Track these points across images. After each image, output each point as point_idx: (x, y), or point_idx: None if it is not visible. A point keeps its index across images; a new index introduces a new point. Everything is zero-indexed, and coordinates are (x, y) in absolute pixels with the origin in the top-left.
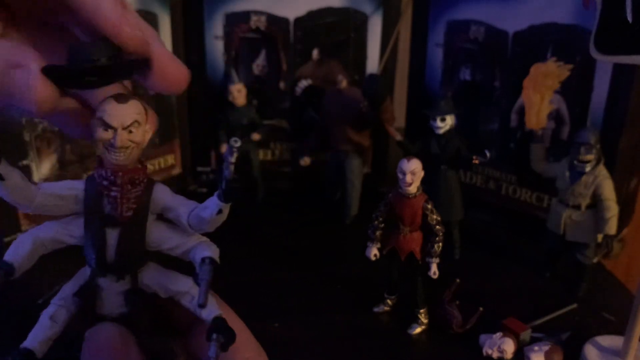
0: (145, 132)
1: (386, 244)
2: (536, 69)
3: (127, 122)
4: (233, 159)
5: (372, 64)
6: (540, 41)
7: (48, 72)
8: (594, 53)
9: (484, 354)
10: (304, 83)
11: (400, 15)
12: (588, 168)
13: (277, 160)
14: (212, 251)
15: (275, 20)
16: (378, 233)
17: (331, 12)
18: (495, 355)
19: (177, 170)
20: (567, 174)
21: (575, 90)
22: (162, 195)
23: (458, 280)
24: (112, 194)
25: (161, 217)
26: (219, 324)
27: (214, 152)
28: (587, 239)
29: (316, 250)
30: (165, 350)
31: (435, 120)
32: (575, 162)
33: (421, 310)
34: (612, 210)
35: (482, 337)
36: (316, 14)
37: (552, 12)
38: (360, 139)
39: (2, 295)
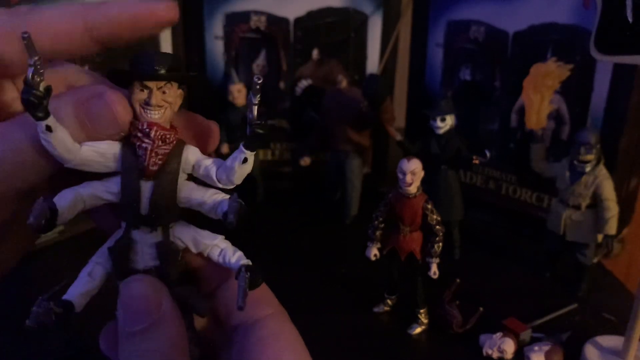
0: (177, 95)
1: (386, 244)
2: (536, 69)
3: (161, 82)
4: (257, 100)
5: (372, 64)
6: (540, 41)
7: (112, 74)
8: (594, 53)
9: (484, 354)
10: (304, 83)
11: (400, 15)
12: (588, 168)
13: (277, 160)
14: (238, 256)
15: (275, 20)
16: (378, 233)
17: (331, 12)
18: (495, 355)
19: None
20: (567, 174)
21: (575, 90)
22: (193, 153)
23: (458, 280)
24: (144, 145)
25: (192, 179)
26: (247, 266)
27: (214, 152)
28: (587, 239)
29: (316, 250)
30: (195, 299)
31: (435, 120)
32: (575, 162)
33: (421, 310)
34: (612, 210)
35: (482, 337)
36: (316, 14)
37: (552, 12)
38: (360, 139)
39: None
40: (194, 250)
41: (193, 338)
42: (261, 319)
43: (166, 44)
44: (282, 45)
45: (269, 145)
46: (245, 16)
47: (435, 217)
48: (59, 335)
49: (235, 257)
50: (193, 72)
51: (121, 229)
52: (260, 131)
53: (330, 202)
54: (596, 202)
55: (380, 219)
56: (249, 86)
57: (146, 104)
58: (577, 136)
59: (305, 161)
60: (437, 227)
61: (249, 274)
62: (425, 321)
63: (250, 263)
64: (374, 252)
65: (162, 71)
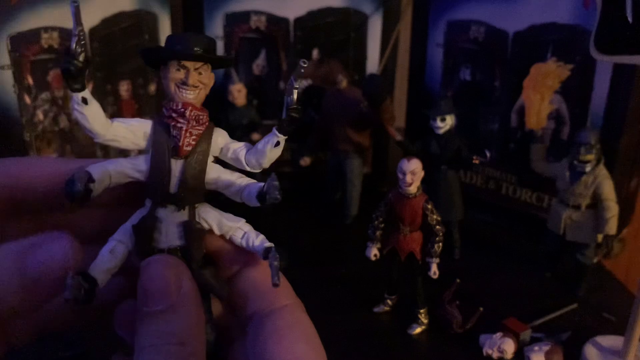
0: (211, 77)
1: (386, 244)
2: (536, 69)
3: (198, 63)
4: (297, 84)
5: (372, 64)
6: (540, 41)
7: (146, 51)
8: (594, 53)
9: (484, 354)
10: (304, 83)
11: (400, 15)
12: (588, 168)
13: (277, 160)
14: (262, 239)
15: (275, 20)
16: (378, 233)
17: (331, 12)
18: (495, 355)
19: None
20: (567, 174)
21: (575, 90)
22: (222, 137)
23: (458, 280)
24: (179, 124)
25: (219, 162)
26: (273, 248)
27: None
28: (587, 239)
29: (316, 250)
30: (217, 282)
31: (435, 120)
32: (575, 162)
33: (421, 310)
34: (612, 210)
35: (482, 337)
36: (316, 14)
37: (552, 12)
38: (360, 139)
39: None
40: (217, 232)
41: (209, 321)
42: (277, 309)
43: None
44: (282, 45)
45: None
46: (245, 16)
47: (435, 217)
48: (58, 337)
49: (259, 239)
50: (225, 55)
51: (145, 207)
52: (296, 115)
53: (330, 202)
54: (596, 202)
55: (380, 219)
56: (249, 86)
57: (183, 83)
58: (577, 136)
59: (305, 161)
60: (437, 227)
61: (278, 253)
62: (425, 321)
63: (273, 245)
64: (374, 252)
65: (200, 52)
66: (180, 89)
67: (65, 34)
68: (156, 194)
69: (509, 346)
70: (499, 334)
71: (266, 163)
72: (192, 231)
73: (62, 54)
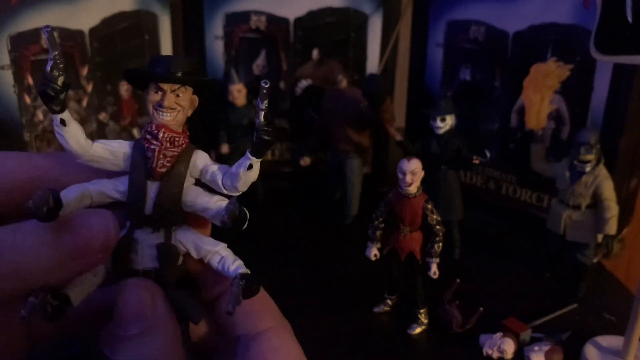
0: (191, 100)
1: (386, 244)
2: (536, 69)
3: (175, 85)
4: (264, 105)
5: (372, 64)
6: (540, 41)
7: (129, 73)
8: (594, 53)
9: (484, 354)
10: (304, 83)
11: (400, 15)
12: (588, 168)
13: (277, 160)
14: (237, 265)
15: (275, 20)
16: (378, 233)
17: (331, 12)
18: (495, 355)
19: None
20: (567, 174)
21: (575, 90)
22: (201, 159)
23: (458, 280)
24: (152, 146)
25: (199, 184)
26: (244, 274)
27: (214, 152)
28: (587, 239)
29: (316, 250)
30: (190, 306)
31: (435, 120)
32: (575, 162)
33: (421, 310)
34: (612, 210)
35: (482, 337)
36: (316, 14)
37: (552, 12)
38: (360, 139)
39: None
40: (195, 255)
41: (187, 343)
42: (263, 331)
43: (166, 44)
44: (282, 45)
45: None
46: (245, 16)
47: (435, 217)
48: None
49: (234, 265)
50: (208, 78)
51: (125, 228)
52: (267, 138)
53: (330, 202)
54: (596, 202)
55: (380, 219)
56: (249, 86)
57: (159, 105)
58: (577, 136)
59: (305, 161)
60: (437, 227)
61: (244, 281)
62: (425, 321)
63: (248, 272)
64: (374, 252)
65: (178, 74)
66: (158, 111)
67: (65, 34)
68: (133, 215)
69: (509, 346)
70: (499, 334)
71: (242, 187)
72: (166, 254)
73: (42, 78)
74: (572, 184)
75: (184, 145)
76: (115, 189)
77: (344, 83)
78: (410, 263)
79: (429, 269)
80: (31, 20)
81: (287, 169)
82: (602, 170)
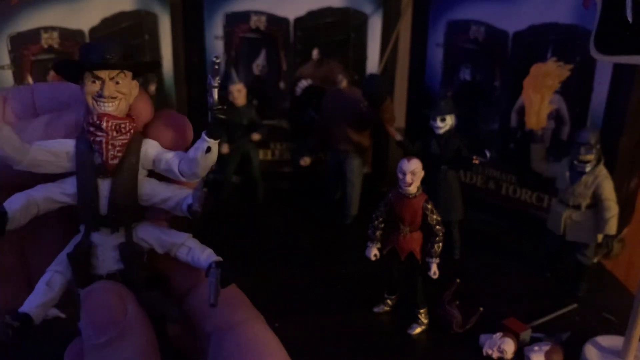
0: (132, 86)
1: (386, 244)
2: (536, 69)
3: (113, 72)
4: (216, 83)
5: (372, 64)
6: (540, 41)
7: (60, 65)
8: (594, 53)
9: (484, 354)
10: (304, 83)
11: (400, 15)
12: (588, 168)
13: (277, 160)
14: (208, 254)
15: (275, 20)
16: (378, 233)
17: (331, 12)
18: (495, 355)
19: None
20: (567, 174)
21: (575, 90)
22: (152, 147)
23: (458, 280)
24: (98, 139)
25: (153, 175)
26: (218, 263)
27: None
28: (587, 239)
29: (316, 250)
30: (165, 305)
31: (435, 120)
32: (575, 162)
33: (421, 311)
34: (612, 210)
35: (482, 337)
36: (316, 14)
37: (552, 12)
38: (360, 139)
39: None
40: (160, 250)
41: (164, 346)
42: (237, 324)
43: (166, 44)
44: (282, 45)
45: (220, 134)
46: (245, 16)
47: (435, 217)
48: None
49: (204, 254)
50: (145, 61)
51: (80, 233)
52: (222, 117)
53: (330, 202)
54: (596, 202)
55: (380, 219)
56: (249, 86)
57: (99, 96)
58: (577, 136)
59: (305, 161)
60: (437, 227)
61: (219, 269)
62: (425, 321)
63: (220, 260)
64: (374, 252)
65: (114, 60)
66: (98, 102)
67: (65, 34)
68: (87, 217)
69: (509, 346)
70: (499, 334)
71: (201, 172)
72: (130, 254)
73: None
74: (572, 184)
75: (132, 131)
76: (63, 192)
77: (344, 83)
78: (410, 263)
79: (429, 269)
80: (31, 20)
81: (287, 169)
82: (602, 170)
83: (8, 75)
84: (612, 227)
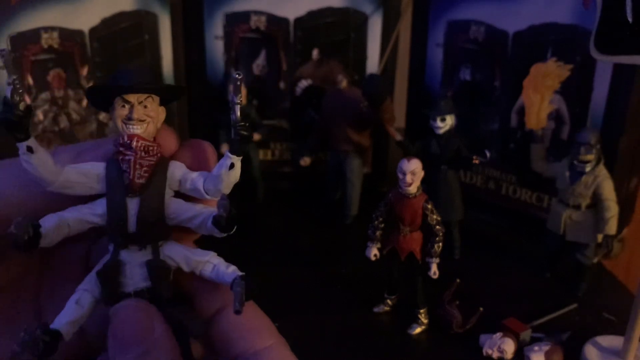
0: (159, 110)
1: (386, 244)
2: (536, 69)
3: (142, 96)
4: (238, 99)
5: (372, 64)
6: (540, 41)
7: (91, 92)
8: (594, 53)
9: (484, 354)
10: (304, 83)
11: (400, 15)
12: (588, 168)
13: (277, 160)
14: (232, 269)
15: (275, 20)
16: (378, 233)
17: (331, 12)
18: (495, 355)
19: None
20: (567, 174)
21: (575, 90)
22: (178, 168)
23: (458, 280)
24: (127, 157)
25: (178, 196)
26: (243, 276)
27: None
28: (587, 239)
29: (316, 250)
30: (189, 319)
31: (435, 120)
32: (575, 162)
33: (421, 311)
34: (612, 210)
35: (482, 337)
36: (316, 14)
37: (552, 12)
38: (360, 139)
39: None
40: (185, 268)
41: None
42: (262, 349)
43: (166, 44)
44: (282, 45)
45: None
46: (245, 16)
47: (435, 217)
48: None
49: (229, 270)
50: (173, 84)
51: (109, 252)
52: (245, 133)
53: (330, 202)
54: (596, 202)
55: (380, 219)
56: (249, 86)
57: (128, 119)
58: (577, 136)
59: (305, 161)
60: (437, 227)
61: (244, 281)
62: (425, 321)
63: (244, 274)
64: (374, 252)
65: (142, 85)
66: (127, 125)
67: (65, 34)
68: (116, 235)
69: (509, 346)
70: (499, 334)
71: (225, 188)
72: (157, 270)
73: (1, 104)
74: (572, 184)
75: (158, 155)
76: (93, 212)
77: (344, 83)
78: (410, 263)
79: (429, 269)
80: (31, 20)
81: (287, 169)
82: (602, 170)
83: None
84: (612, 227)
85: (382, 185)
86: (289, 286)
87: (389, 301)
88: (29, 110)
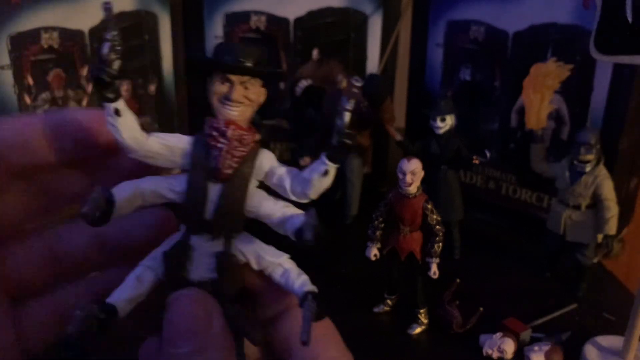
0: (260, 93)
1: (386, 244)
2: (536, 69)
3: (245, 77)
4: (350, 105)
5: (372, 64)
6: (540, 41)
7: (193, 59)
8: (594, 53)
9: (484, 354)
10: (304, 83)
11: (400, 15)
12: (588, 168)
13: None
14: (303, 280)
15: (275, 20)
16: (378, 233)
17: (331, 12)
18: (495, 355)
19: (176, 171)
20: (567, 174)
21: (575, 90)
22: (267, 159)
23: (458, 280)
24: (219, 145)
25: (263, 187)
26: (313, 295)
27: None
28: (587, 239)
29: (316, 250)
30: (250, 324)
31: (435, 120)
32: (575, 162)
33: (421, 311)
34: (612, 210)
35: (482, 337)
36: (316, 14)
37: (552, 12)
38: (360, 139)
39: None
40: (255, 266)
41: None
42: None
43: (166, 44)
44: (282, 45)
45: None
46: (245, 16)
47: (435, 217)
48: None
49: (299, 280)
50: (279, 69)
51: (179, 232)
52: (349, 142)
53: (330, 202)
54: (596, 202)
55: (380, 219)
56: None
57: (226, 98)
58: (577, 136)
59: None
60: (437, 227)
61: (316, 303)
62: (425, 321)
63: (316, 290)
64: (374, 252)
65: (248, 64)
66: (224, 105)
67: (65, 34)
68: (190, 219)
69: (509, 346)
70: (499, 334)
71: (313, 194)
72: (225, 264)
73: (94, 61)
74: (572, 184)
75: (251, 144)
76: (171, 188)
77: (344, 83)
78: (410, 263)
79: (429, 269)
80: (31, 20)
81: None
82: (602, 170)
83: (8, 76)
84: (612, 227)
85: (382, 185)
86: None
87: (389, 301)
88: (123, 72)
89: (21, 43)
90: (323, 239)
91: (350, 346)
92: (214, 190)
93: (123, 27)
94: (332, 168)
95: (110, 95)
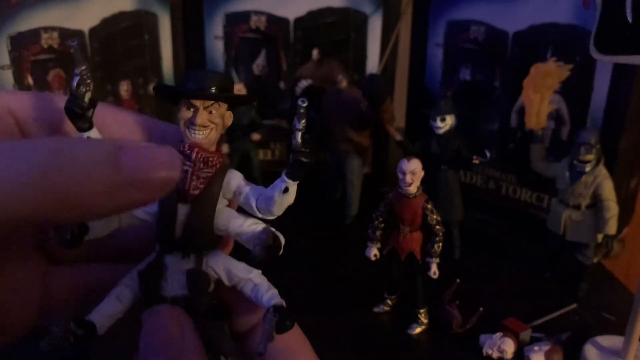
0: (224, 116)
1: (386, 244)
2: (536, 69)
3: (208, 102)
4: (301, 125)
5: (372, 64)
6: (540, 41)
7: (160, 89)
8: (594, 53)
9: (484, 354)
10: (304, 83)
11: (400, 15)
12: (588, 168)
13: (277, 160)
14: (271, 294)
15: (275, 20)
16: (378, 233)
17: (331, 12)
18: (495, 355)
19: None
20: (567, 174)
21: (575, 90)
22: (235, 179)
23: (458, 280)
24: (185, 167)
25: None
26: (278, 307)
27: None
28: (587, 239)
29: (316, 250)
30: (221, 338)
31: (435, 120)
32: (575, 162)
33: (421, 310)
34: (612, 210)
35: (482, 337)
36: (316, 14)
37: (552, 12)
38: (360, 139)
39: None
40: (227, 282)
41: None
42: None
43: (166, 44)
44: (282, 45)
45: (306, 172)
46: (245, 16)
47: (435, 217)
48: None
49: (267, 294)
50: (242, 95)
51: (154, 252)
52: (305, 160)
53: (330, 202)
54: (596, 202)
55: (380, 219)
56: (249, 86)
57: (191, 123)
58: (577, 136)
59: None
60: (437, 227)
61: (277, 315)
62: (425, 321)
63: (283, 304)
64: (374, 252)
65: (210, 90)
66: (189, 129)
67: (65, 34)
68: (162, 238)
69: (509, 346)
70: (499, 334)
71: (276, 210)
72: (196, 280)
73: (68, 95)
74: (572, 184)
75: (217, 166)
76: (145, 210)
77: (344, 83)
78: (410, 263)
79: (429, 269)
80: (31, 20)
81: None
82: (602, 170)
83: (8, 76)
84: (612, 227)
85: (382, 185)
86: (289, 286)
87: (389, 301)
88: (94, 103)
89: (21, 43)
90: (273, 256)
91: (350, 346)
92: (182, 210)
93: (123, 27)
94: (291, 186)
95: (83, 125)
